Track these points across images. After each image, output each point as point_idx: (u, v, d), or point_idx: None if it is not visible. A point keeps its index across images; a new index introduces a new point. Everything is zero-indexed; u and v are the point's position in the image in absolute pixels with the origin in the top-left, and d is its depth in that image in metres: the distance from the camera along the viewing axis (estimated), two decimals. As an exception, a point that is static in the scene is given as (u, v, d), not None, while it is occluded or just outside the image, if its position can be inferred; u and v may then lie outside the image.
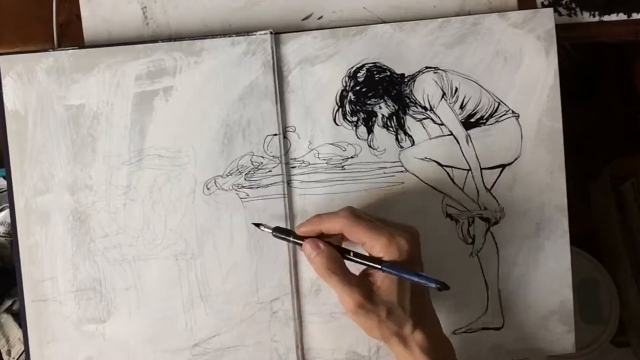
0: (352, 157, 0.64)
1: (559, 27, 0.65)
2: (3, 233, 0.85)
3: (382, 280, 0.54)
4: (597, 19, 0.66)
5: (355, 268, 0.56)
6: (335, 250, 0.56)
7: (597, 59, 0.97)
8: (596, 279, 0.90)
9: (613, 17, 0.66)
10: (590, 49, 0.90)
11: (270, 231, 0.60)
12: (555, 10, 0.66)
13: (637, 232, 0.88)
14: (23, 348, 0.83)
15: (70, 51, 0.63)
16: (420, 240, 0.57)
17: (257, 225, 0.61)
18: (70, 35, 0.67)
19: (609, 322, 0.89)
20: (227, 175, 0.63)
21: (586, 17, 0.66)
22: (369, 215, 0.57)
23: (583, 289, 0.90)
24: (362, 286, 0.54)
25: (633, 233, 0.89)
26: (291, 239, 0.59)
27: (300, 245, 0.58)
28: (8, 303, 0.84)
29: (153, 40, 0.63)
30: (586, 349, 0.94)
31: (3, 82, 0.63)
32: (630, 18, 0.66)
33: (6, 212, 0.86)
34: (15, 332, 0.83)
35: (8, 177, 0.63)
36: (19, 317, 0.83)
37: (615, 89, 0.99)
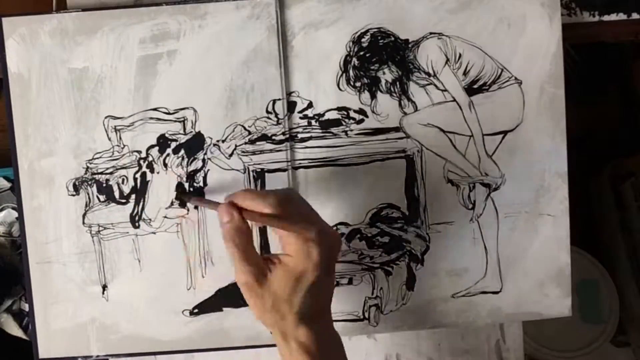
0: (355, 123, 0.70)
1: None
2: (3, 233, 0.91)
3: (279, 272, 0.56)
4: (597, 19, 0.70)
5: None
6: (246, 224, 0.57)
7: (597, 59, 1.03)
8: (596, 279, 0.96)
9: (613, 17, 0.70)
10: (590, 49, 0.95)
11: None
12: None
13: (637, 232, 0.94)
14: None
15: (74, 14, 0.67)
16: (338, 250, 0.60)
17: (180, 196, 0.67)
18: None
19: (609, 322, 0.95)
20: (231, 140, 0.69)
21: (586, 17, 0.70)
22: (301, 205, 0.58)
23: (583, 289, 0.96)
24: (258, 268, 0.56)
25: (633, 233, 0.95)
26: (209, 200, 0.61)
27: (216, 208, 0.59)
28: (8, 303, 0.90)
29: (157, 3, 0.68)
30: (586, 348, 1.00)
31: (6, 44, 0.67)
32: (630, 18, 0.70)
33: (6, 212, 0.91)
34: (15, 331, 0.89)
35: (11, 140, 0.69)
36: (19, 317, 0.90)
37: (615, 89, 1.04)
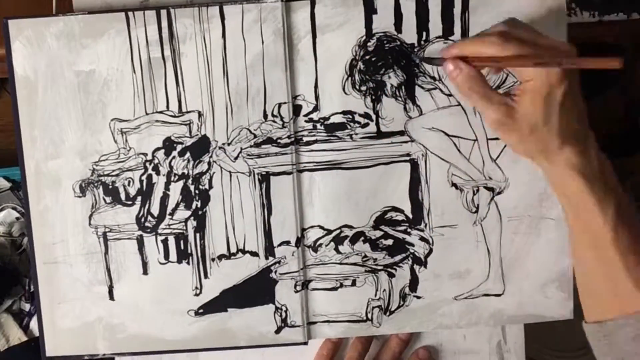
0: (360, 127, 0.72)
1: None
2: (3, 233, 0.93)
3: (525, 100, 0.59)
4: (597, 19, 0.71)
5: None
6: (475, 70, 0.60)
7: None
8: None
9: (613, 17, 0.71)
10: (590, 49, 0.96)
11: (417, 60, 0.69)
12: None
13: None
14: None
15: (80, 16, 0.68)
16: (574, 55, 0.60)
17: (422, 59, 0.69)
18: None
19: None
20: (236, 143, 0.71)
21: (586, 17, 0.71)
22: (524, 31, 0.60)
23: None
24: (504, 104, 0.60)
25: None
26: (436, 60, 0.65)
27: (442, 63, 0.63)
28: (8, 303, 0.92)
29: (163, 6, 0.69)
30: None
31: (12, 46, 0.69)
32: (630, 18, 0.71)
33: (6, 212, 0.93)
34: (15, 331, 0.91)
35: (18, 142, 0.70)
36: (19, 317, 0.92)
37: (615, 89, 1.05)
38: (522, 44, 0.58)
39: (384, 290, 0.73)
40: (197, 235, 0.72)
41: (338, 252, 0.73)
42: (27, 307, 0.92)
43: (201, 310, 0.73)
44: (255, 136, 0.70)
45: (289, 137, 0.70)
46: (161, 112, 0.70)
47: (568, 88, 0.59)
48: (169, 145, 0.70)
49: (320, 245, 0.73)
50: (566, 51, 0.60)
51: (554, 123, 0.60)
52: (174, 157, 0.71)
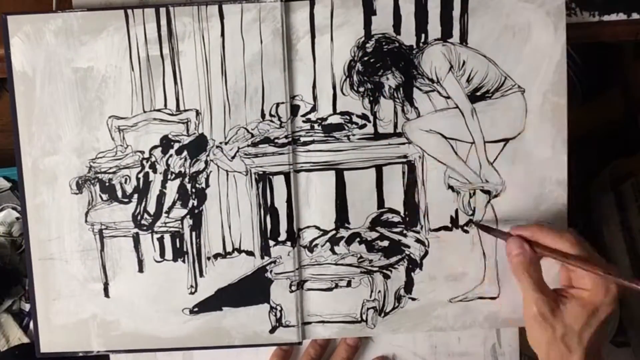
0: (357, 128, 0.72)
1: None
2: (3, 233, 0.93)
3: (573, 305, 0.61)
4: (597, 19, 0.71)
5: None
6: (537, 256, 0.64)
7: (597, 59, 1.04)
8: (596, 279, 0.98)
9: (613, 17, 0.71)
10: (590, 49, 0.96)
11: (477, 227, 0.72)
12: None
13: (637, 232, 0.95)
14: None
15: (79, 13, 0.68)
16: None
17: (475, 223, 0.72)
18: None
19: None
20: (233, 142, 0.71)
21: (586, 17, 0.71)
22: (586, 244, 0.64)
23: (583, 289, 0.98)
24: (551, 299, 0.62)
25: (633, 233, 0.97)
26: (496, 228, 0.71)
27: (505, 238, 0.67)
28: (8, 303, 0.92)
29: (162, 4, 0.69)
30: None
31: (11, 42, 0.69)
32: (630, 18, 0.71)
33: (6, 212, 0.93)
34: (15, 331, 0.91)
35: (15, 138, 0.71)
36: (19, 317, 0.92)
37: (615, 89, 1.05)
38: (589, 251, 0.62)
39: (379, 291, 0.74)
40: (193, 233, 0.72)
41: (334, 252, 0.73)
42: (27, 307, 0.92)
43: (196, 309, 0.73)
44: (252, 135, 0.71)
45: (286, 137, 0.71)
46: (159, 110, 0.70)
47: (611, 312, 0.61)
48: (166, 143, 0.71)
49: (316, 245, 0.73)
50: (617, 272, 0.61)
51: (585, 339, 0.61)
52: (171, 156, 0.71)
